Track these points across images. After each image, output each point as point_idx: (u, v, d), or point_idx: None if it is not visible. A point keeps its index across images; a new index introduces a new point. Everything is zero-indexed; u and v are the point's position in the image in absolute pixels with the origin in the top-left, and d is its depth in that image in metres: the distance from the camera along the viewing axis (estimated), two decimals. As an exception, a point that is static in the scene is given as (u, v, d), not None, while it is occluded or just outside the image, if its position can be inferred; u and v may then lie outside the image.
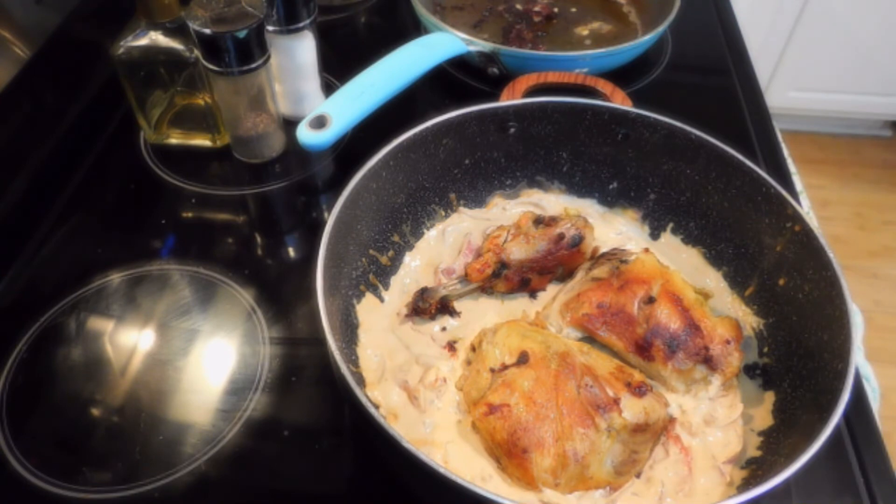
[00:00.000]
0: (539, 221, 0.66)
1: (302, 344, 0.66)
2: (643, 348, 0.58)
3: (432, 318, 0.63)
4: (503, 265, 0.64)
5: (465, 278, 0.65)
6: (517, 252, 0.64)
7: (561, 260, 0.65)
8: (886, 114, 2.32)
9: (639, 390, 0.54)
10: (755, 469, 0.53)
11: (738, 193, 0.63)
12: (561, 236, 0.64)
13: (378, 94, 0.73)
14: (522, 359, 0.55)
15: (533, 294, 0.67)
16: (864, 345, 0.80)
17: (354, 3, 1.10)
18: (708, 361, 0.58)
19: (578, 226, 0.65)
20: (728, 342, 0.58)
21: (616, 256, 0.64)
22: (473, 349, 0.60)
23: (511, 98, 0.76)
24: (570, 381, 0.54)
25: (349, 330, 0.60)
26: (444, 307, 0.64)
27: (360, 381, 0.57)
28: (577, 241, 0.65)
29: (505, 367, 0.55)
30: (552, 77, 0.81)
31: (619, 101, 0.72)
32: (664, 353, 0.58)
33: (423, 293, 0.63)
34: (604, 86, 0.77)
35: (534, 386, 0.53)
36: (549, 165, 0.72)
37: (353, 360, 0.58)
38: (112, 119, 0.88)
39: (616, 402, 0.53)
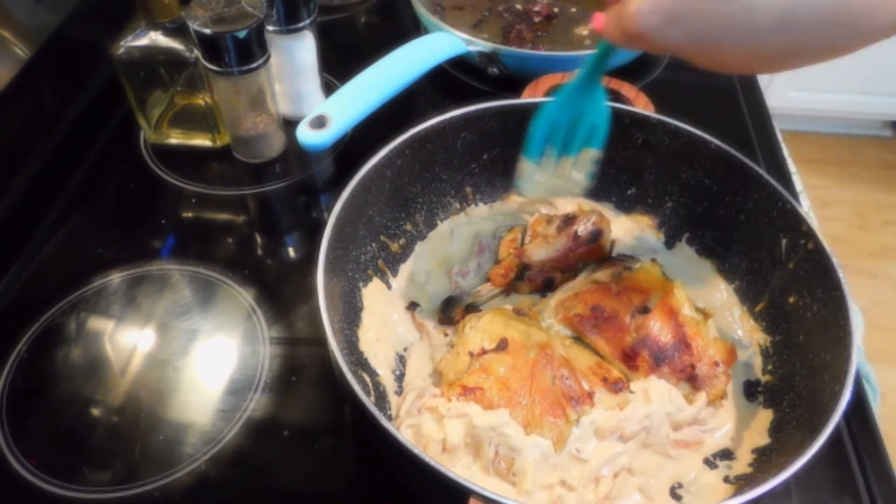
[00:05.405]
0: (552, 222, 0.66)
1: (302, 344, 0.66)
2: (629, 356, 0.58)
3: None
4: (525, 267, 0.65)
5: (489, 283, 0.65)
6: (537, 253, 0.64)
7: (582, 256, 0.65)
8: (886, 114, 2.32)
9: (615, 386, 0.55)
10: (743, 485, 0.53)
11: (755, 207, 0.63)
12: (578, 233, 0.65)
13: (378, 94, 0.73)
14: (501, 345, 0.55)
15: (543, 293, 0.67)
16: (864, 345, 0.80)
17: (354, 3, 1.10)
18: (692, 380, 0.57)
19: (595, 221, 0.65)
20: (717, 364, 0.57)
21: (621, 263, 0.64)
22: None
23: (533, 96, 0.75)
24: (546, 371, 0.54)
25: (352, 312, 0.60)
26: (471, 312, 0.64)
27: (359, 363, 0.57)
28: (596, 237, 0.65)
29: (484, 352, 0.56)
30: None
31: (642, 106, 0.71)
32: (649, 364, 0.57)
33: (448, 303, 0.64)
34: (627, 90, 0.77)
35: (509, 372, 0.54)
36: (568, 166, 0.72)
37: (353, 340, 0.58)
38: (112, 119, 0.88)
39: (590, 395, 0.54)
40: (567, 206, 0.72)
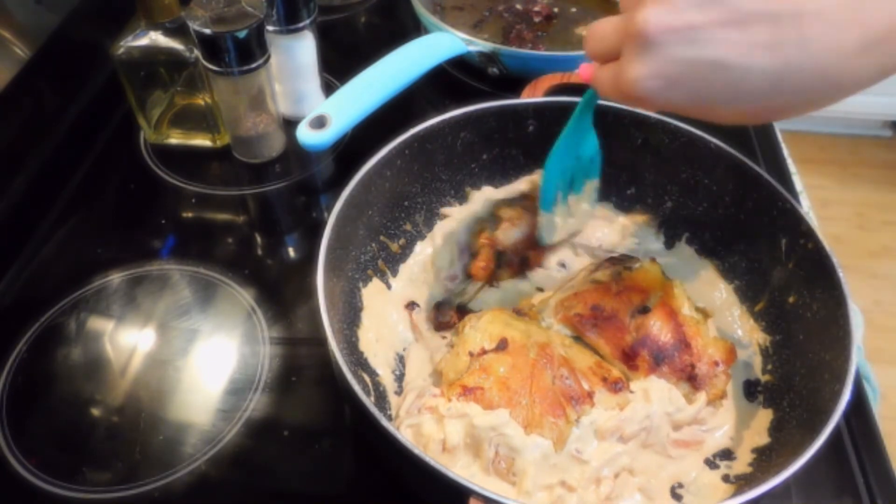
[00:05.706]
0: (512, 205, 0.67)
1: (302, 344, 0.66)
2: (629, 356, 0.58)
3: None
4: (500, 254, 0.65)
5: (471, 279, 0.65)
6: (508, 237, 0.65)
7: None
8: (886, 114, 2.33)
9: (615, 386, 0.55)
10: (743, 485, 0.53)
11: (755, 207, 0.62)
12: (536, 208, 0.65)
13: (378, 94, 0.73)
14: (501, 345, 0.55)
15: (523, 274, 0.67)
16: (864, 345, 0.80)
17: (354, 3, 1.10)
18: (692, 380, 0.57)
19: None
20: (717, 364, 0.58)
21: (621, 262, 0.64)
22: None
23: (532, 96, 0.76)
24: (546, 371, 0.54)
25: (352, 312, 0.60)
26: (464, 312, 0.64)
27: (359, 363, 0.57)
28: None
29: (484, 352, 0.56)
30: (576, 78, 0.80)
31: (642, 107, 0.72)
32: (649, 364, 0.57)
33: (439, 308, 0.64)
34: None
35: (509, 372, 0.54)
36: (568, 166, 0.73)
37: (353, 340, 0.58)
38: (112, 119, 0.88)
39: (590, 395, 0.54)
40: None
